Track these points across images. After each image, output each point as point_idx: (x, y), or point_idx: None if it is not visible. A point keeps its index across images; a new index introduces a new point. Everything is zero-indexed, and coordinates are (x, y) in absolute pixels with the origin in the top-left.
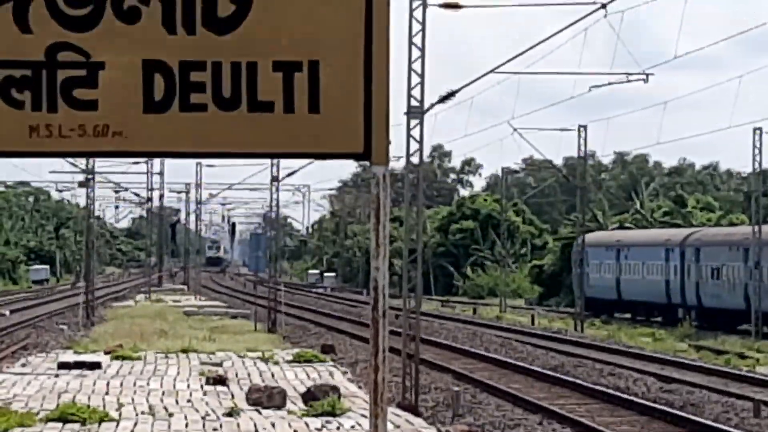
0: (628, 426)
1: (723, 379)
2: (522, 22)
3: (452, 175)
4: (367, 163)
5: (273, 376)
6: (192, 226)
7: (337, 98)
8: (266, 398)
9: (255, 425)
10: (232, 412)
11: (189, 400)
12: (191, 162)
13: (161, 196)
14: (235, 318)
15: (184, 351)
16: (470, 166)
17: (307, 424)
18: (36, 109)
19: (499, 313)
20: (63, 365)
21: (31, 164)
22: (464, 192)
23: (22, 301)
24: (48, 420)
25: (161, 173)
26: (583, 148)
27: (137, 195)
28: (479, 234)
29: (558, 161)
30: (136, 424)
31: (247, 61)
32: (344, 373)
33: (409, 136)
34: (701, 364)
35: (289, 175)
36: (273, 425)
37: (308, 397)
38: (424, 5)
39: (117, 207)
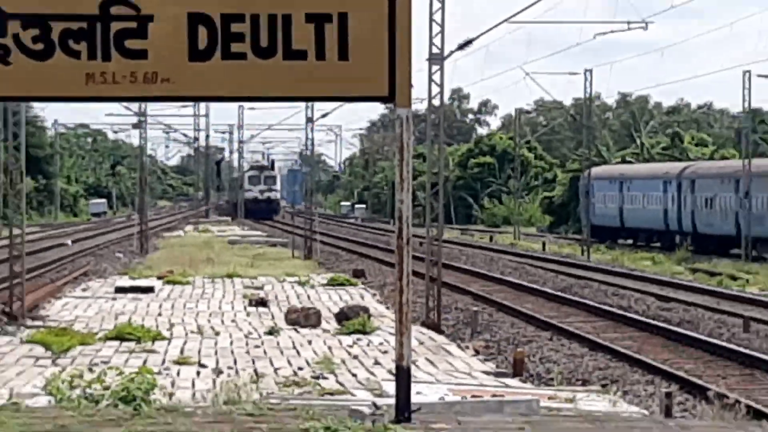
0: (630, 341)
1: (715, 298)
2: None
3: (470, 116)
4: (392, 105)
5: (309, 298)
6: (235, 163)
7: (365, 47)
8: (303, 318)
9: (293, 342)
10: (272, 331)
11: (233, 321)
12: (234, 105)
13: (207, 137)
14: (275, 246)
15: (229, 276)
16: (486, 107)
17: (340, 341)
18: (91, 58)
19: (514, 240)
20: (119, 289)
21: (89, 108)
22: (481, 130)
23: (83, 231)
24: (106, 339)
25: (207, 115)
26: (589, 90)
27: (185, 135)
28: (495, 168)
29: (567, 102)
30: (185, 342)
31: (283, 13)
32: (373, 295)
33: (430, 80)
34: (696, 285)
35: (323, 116)
36: (309, 342)
37: (341, 317)
38: None
39: (167, 146)
